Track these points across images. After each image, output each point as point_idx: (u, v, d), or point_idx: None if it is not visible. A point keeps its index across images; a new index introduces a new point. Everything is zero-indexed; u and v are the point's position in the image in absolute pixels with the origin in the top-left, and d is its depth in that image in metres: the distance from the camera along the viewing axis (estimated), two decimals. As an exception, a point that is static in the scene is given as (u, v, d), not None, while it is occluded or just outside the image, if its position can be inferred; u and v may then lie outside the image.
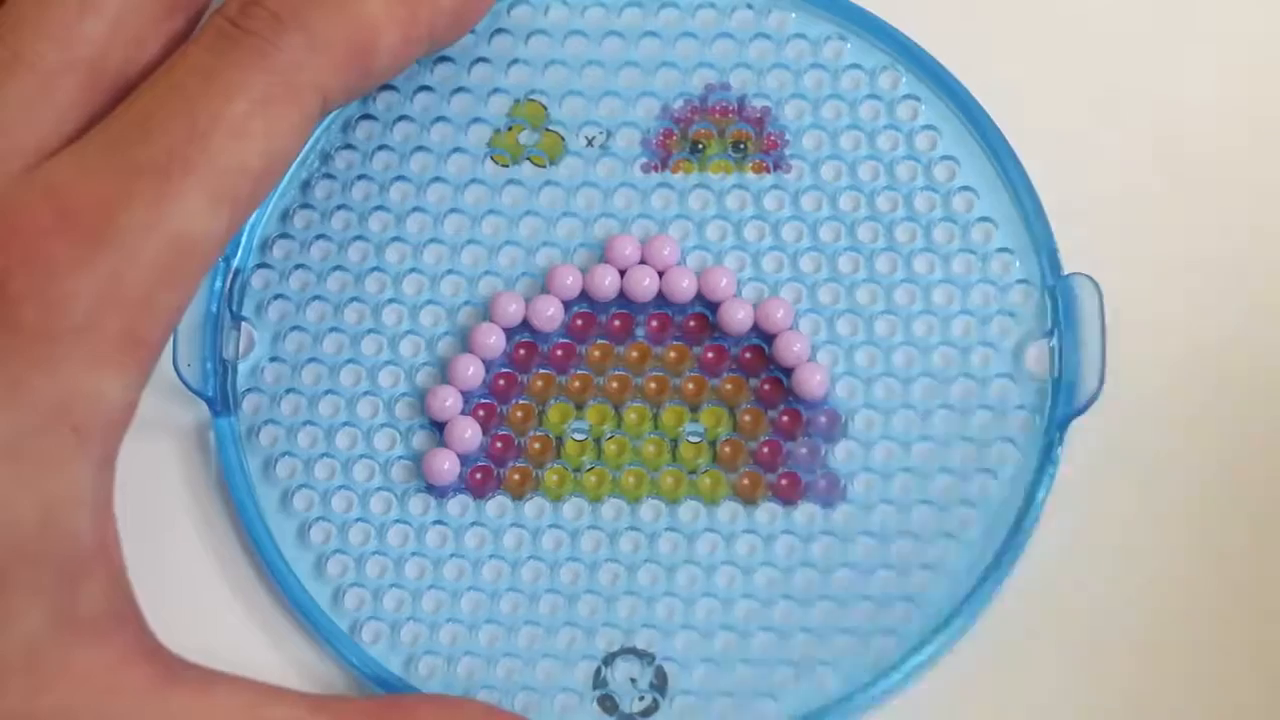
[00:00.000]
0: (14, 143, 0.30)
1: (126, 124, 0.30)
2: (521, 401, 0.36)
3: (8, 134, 0.30)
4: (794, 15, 0.37)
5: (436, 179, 0.37)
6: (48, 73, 0.30)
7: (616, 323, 0.36)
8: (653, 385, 0.36)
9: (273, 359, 0.36)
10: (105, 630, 0.30)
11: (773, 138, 0.37)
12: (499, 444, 0.35)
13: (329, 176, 0.37)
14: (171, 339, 0.34)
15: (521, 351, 0.36)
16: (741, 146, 0.37)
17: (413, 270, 0.36)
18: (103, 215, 0.29)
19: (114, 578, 0.30)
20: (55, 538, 0.29)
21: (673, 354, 0.36)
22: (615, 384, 0.36)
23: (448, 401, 0.35)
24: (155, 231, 0.30)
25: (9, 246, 0.29)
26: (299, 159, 0.36)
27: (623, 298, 0.36)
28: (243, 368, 0.36)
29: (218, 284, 0.35)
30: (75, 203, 0.29)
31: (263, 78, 0.31)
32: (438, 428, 0.35)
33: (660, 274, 0.36)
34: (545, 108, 0.37)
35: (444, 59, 0.37)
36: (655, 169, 0.37)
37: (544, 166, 0.37)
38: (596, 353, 0.36)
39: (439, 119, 0.37)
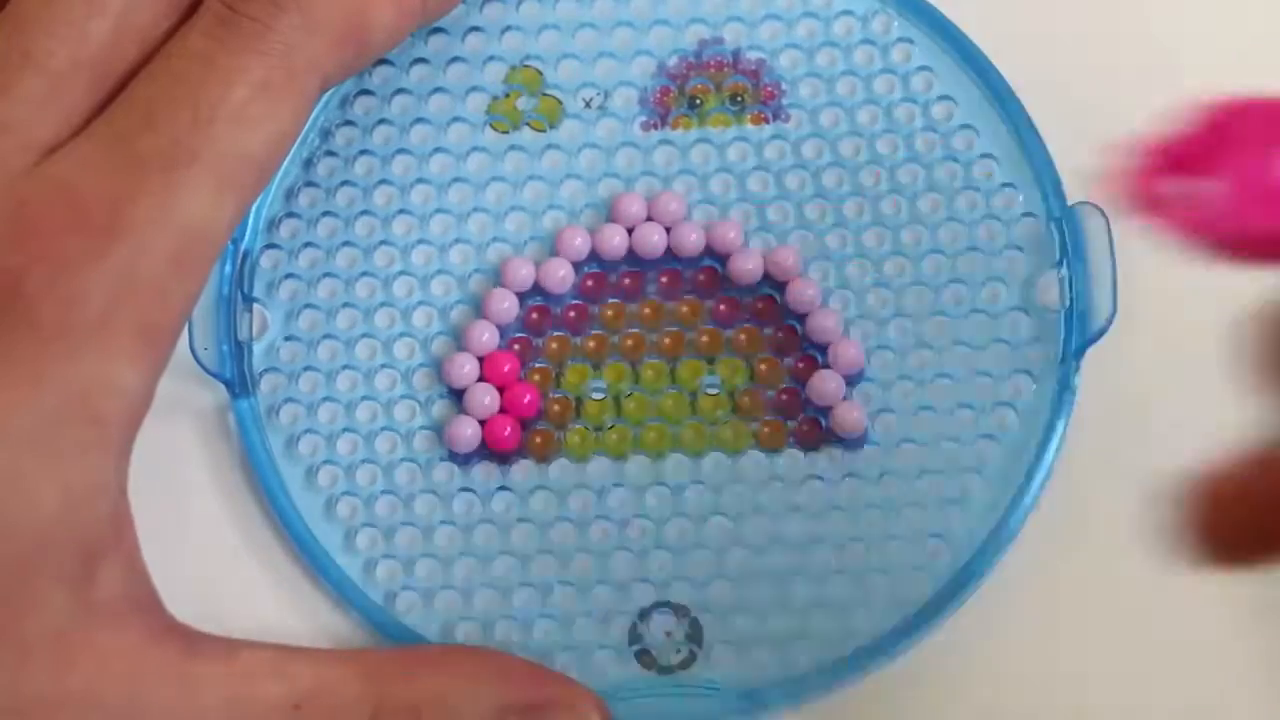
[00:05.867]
0: (25, 140, 0.30)
1: (130, 115, 0.30)
2: (538, 365, 0.36)
3: (20, 131, 0.30)
4: (783, -35, 0.37)
5: (438, 149, 0.37)
6: (57, 72, 0.30)
7: (627, 281, 0.36)
8: (667, 341, 0.36)
9: (288, 338, 0.36)
10: (123, 613, 0.30)
11: (769, 89, 0.37)
12: (519, 408, 0.35)
13: (331, 154, 0.36)
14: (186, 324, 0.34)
15: (535, 315, 0.36)
16: (739, 99, 0.37)
17: (421, 241, 0.36)
18: (113, 210, 0.30)
19: (130, 562, 0.31)
20: (77, 526, 0.30)
21: (685, 308, 0.36)
22: (630, 342, 0.36)
23: (465, 369, 0.35)
24: (164, 224, 0.30)
25: (25, 245, 0.29)
26: (299, 137, 0.36)
27: (632, 256, 0.36)
28: (258, 348, 0.36)
29: (227, 267, 0.35)
30: (86, 198, 0.30)
31: (262, 62, 0.31)
32: (456, 396, 0.35)
33: (668, 230, 0.36)
34: (541, 72, 0.37)
35: (438, 30, 0.37)
36: (655, 127, 0.37)
37: (544, 131, 0.37)
38: (609, 312, 0.36)
39: (436, 90, 0.37)
